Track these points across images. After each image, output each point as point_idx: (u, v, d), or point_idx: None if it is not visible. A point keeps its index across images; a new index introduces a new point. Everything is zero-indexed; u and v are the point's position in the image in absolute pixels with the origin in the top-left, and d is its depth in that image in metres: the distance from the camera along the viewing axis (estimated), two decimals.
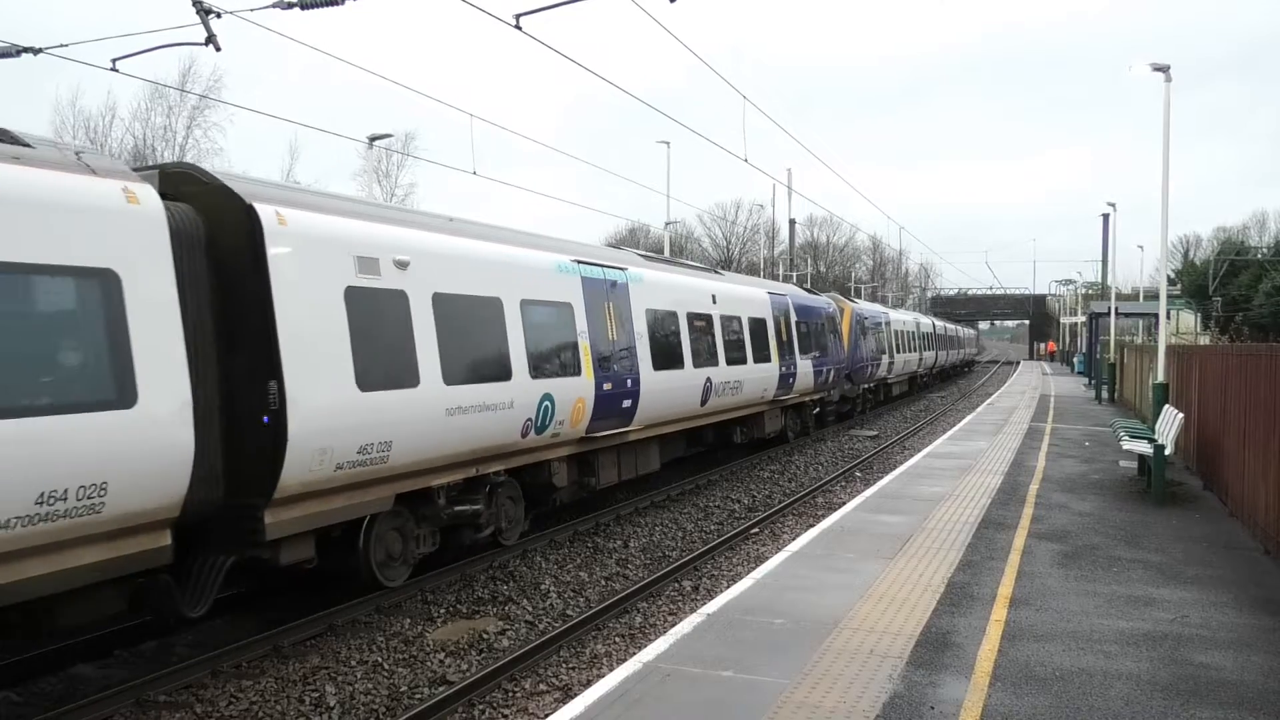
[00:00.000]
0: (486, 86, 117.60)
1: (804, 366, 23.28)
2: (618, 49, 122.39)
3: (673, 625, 8.71)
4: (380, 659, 8.72)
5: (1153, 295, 41.10)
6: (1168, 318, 25.13)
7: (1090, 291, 76.07)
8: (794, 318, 23.20)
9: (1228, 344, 27.19)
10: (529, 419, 11.82)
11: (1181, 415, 15.27)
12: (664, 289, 16.19)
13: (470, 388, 10.64)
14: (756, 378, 19.94)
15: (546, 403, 12.12)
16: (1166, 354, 20.41)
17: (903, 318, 42.00)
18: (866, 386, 32.87)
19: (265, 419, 8.28)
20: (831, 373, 26.26)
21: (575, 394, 12.79)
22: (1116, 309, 40.05)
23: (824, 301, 27.84)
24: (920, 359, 43.82)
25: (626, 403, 14.23)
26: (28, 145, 7.12)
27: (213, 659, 8.32)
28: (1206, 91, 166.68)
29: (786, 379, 21.97)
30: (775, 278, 53.08)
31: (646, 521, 14.74)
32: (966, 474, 16.46)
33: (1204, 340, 48.56)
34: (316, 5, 10.55)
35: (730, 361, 18.40)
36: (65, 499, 6.62)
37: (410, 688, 8.13)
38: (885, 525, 12.00)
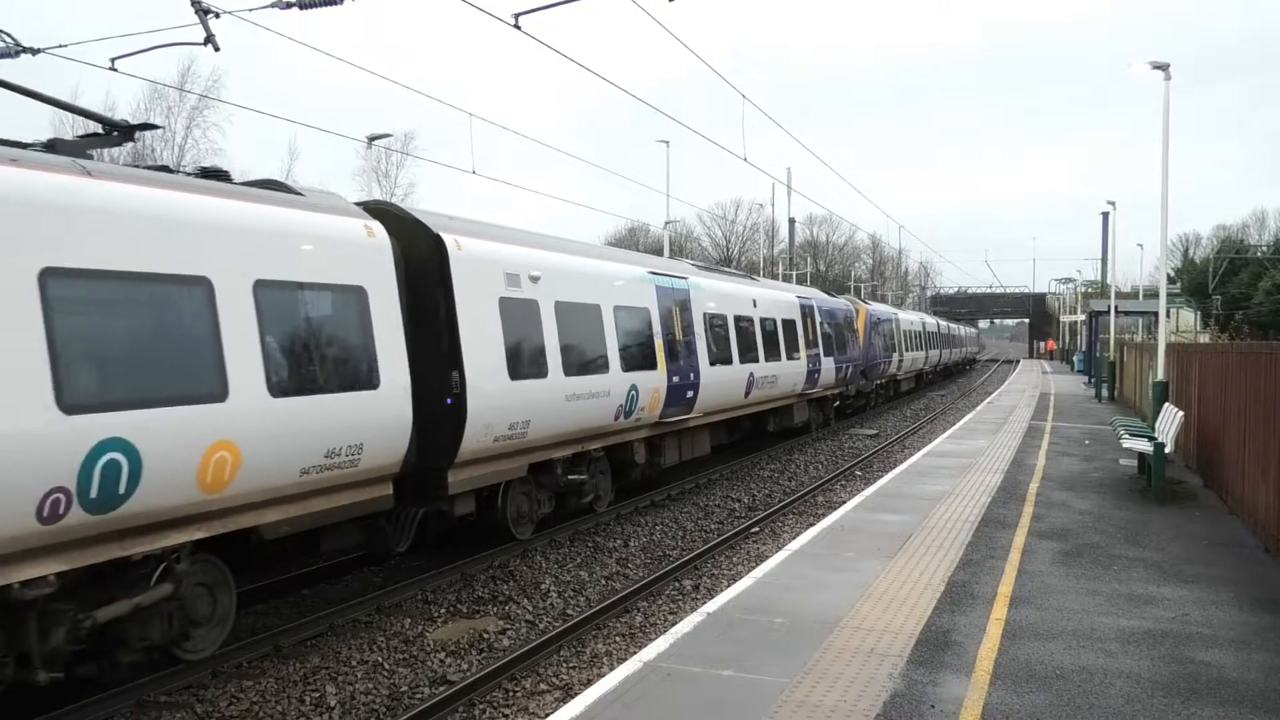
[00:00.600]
0: (486, 86, 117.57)
1: (827, 364, 25.35)
2: (616, 48, 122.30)
3: (673, 624, 8.70)
4: (381, 659, 8.72)
5: (1152, 293, 41.08)
6: (1167, 316, 25.13)
7: (1090, 290, 76.07)
8: (818, 319, 25.21)
9: (1228, 342, 27.17)
10: (620, 405, 14.03)
11: (1181, 414, 15.26)
12: (716, 295, 18.47)
13: (581, 378, 12.95)
14: (789, 373, 22.04)
15: (633, 392, 14.37)
16: (1166, 352, 20.41)
17: (910, 318, 43.88)
18: (879, 382, 34.41)
19: (449, 400, 10.59)
20: (850, 369, 28.27)
21: (653, 385, 15.04)
22: (1116, 307, 40.05)
23: (843, 304, 29.93)
24: (926, 357, 45.75)
25: (689, 393, 16.43)
26: (300, 194, 9.40)
27: (213, 659, 8.32)
28: (1208, 91, 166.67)
29: (813, 374, 24.04)
30: (775, 277, 53.13)
31: (646, 521, 14.74)
32: (967, 472, 16.46)
33: (1204, 338, 48.54)
34: (315, 5, 10.55)
35: (768, 358, 20.53)
36: (339, 454, 8.92)
37: (411, 687, 8.13)
38: (885, 524, 12.00)
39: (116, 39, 15.76)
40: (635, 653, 7.60)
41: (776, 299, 22.43)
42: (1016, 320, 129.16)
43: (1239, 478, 12.26)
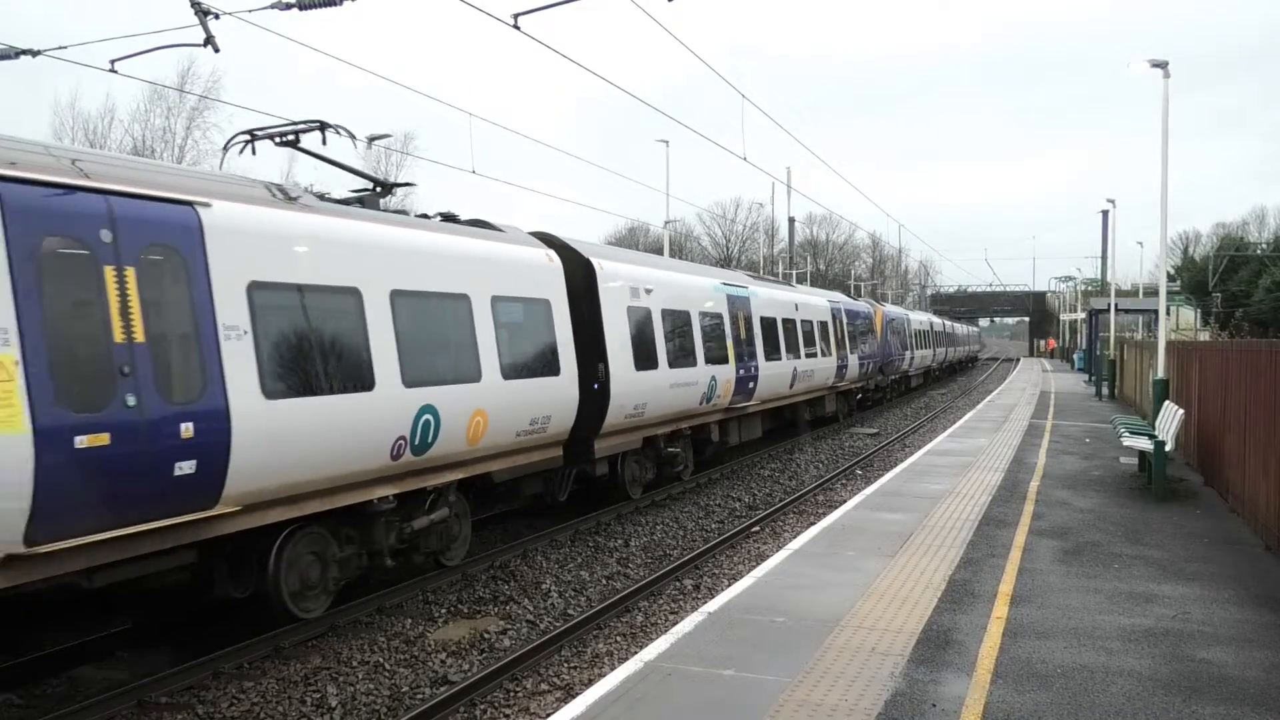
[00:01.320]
0: (486, 87, 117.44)
1: (853, 360, 28.88)
2: (617, 51, 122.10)
3: (674, 624, 8.70)
4: (382, 659, 8.72)
5: (1152, 291, 41.06)
6: (1167, 314, 25.12)
7: (1090, 288, 76.03)
8: (844, 320, 28.55)
9: (1228, 340, 27.18)
10: (703, 392, 17.27)
11: (1182, 411, 15.26)
12: (769, 301, 21.91)
13: (679, 370, 16.25)
14: (823, 368, 25.61)
15: (712, 381, 17.56)
16: (1166, 350, 20.40)
17: (920, 318, 47.76)
18: (894, 378, 37.78)
19: (596, 385, 13.73)
20: (871, 364, 31.89)
21: (726, 376, 18.31)
22: (1116, 305, 40.03)
23: (864, 306, 33.61)
24: (934, 354, 49.31)
25: (751, 384, 19.81)
26: (501, 230, 12.66)
27: (214, 660, 8.32)
28: (1208, 90, 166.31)
29: (841, 369, 27.65)
30: (775, 276, 53.26)
31: (647, 520, 14.74)
32: (967, 471, 16.46)
33: (1204, 336, 48.52)
34: (314, 6, 10.54)
35: (807, 355, 24.06)
36: (538, 423, 12.22)
37: (412, 688, 8.13)
38: (886, 523, 12.00)
39: (117, 40, 15.72)
40: (636, 652, 7.60)
41: (812, 303, 25.99)
42: (1016, 319, 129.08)
43: (1239, 475, 12.26)
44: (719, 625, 7.89)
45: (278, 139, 10.71)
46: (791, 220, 65.64)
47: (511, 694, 8.03)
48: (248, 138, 10.71)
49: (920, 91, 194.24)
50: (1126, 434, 15.63)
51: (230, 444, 7.75)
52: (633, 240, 79.02)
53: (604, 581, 11.47)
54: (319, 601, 9.30)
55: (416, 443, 9.90)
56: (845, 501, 14.26)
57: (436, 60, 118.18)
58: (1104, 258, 76.08)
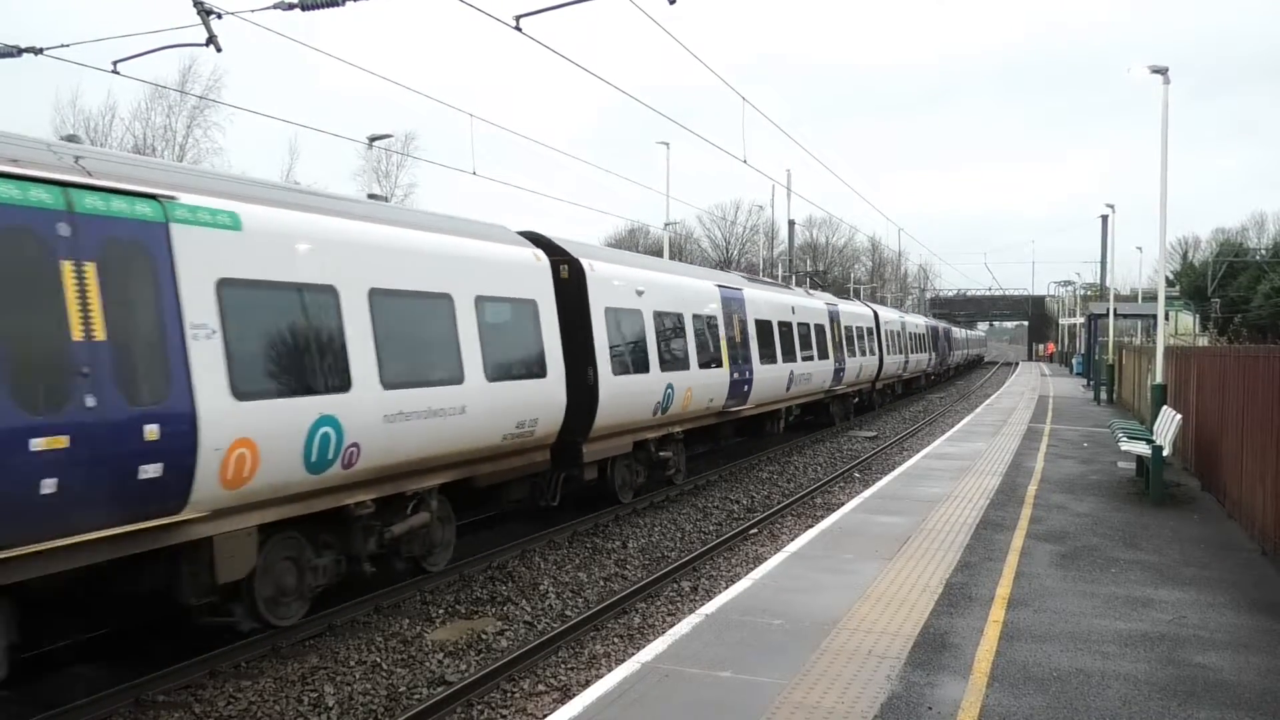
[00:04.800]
0: (488, 88, 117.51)
1: (932, 355, 48.47)
2: (619, 52, 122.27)
3: (671, 626, 8.70)
4: (379, 659, 8.72)
5: (1151, 296, 41.05)
6: (1166, 319, 25.15)
7: (1089, 293, 76.07)
8: (927, 331, 47.71)
9: (1226, 345, 27.20)
10: (899, 366, 39.01)
11: (1179, 416, 15.27)
12: (910, 323, 40.11)
13: (895, 357, 37.11)
14: (924, 358, 45.37)
15: (880, 363, 34.76)
16: (1165, 355, 20.41)
17: (955, 329, 70.90)
18: (944, 369, 57.11)
19: (839, 369, 28.44)
20: (937, 359, 51.40)
21: (887, 359, 35.42)
22: (1115, 310, 40.05)
23: (934, 321, 55.26)
24: (963, 353, 72.44)
25: (905, 364, 39.10)
26: (824, 293, 31.11)
27: (211, 659, 8.33)
28: (1218, 101, 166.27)
29: (929, 360, 47.45)
30: (774, 278, 53.45)
31: (645, 522, 14.75)
32: (965, 475, 16.47)
33: (1202, 341, 48.52)
34: (317, 6, 10.55)
35: (917, 351, 42.87)
36: (823, 380, 26.49)
37: (409, 688, 8.14)
38: (884, 526, 12.01)
39: (119, 39, 15.74)
40: (633, 654, 7.61)
41: (920, 322, 46.75)
42: (1015, 323, 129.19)
43: (1237, 481, 12.28)
44: (716, 627, 7.90)
45: (806, 275, 42.30)
46: (791, 223, 65.53)
47: (509, 695, 8.03)
48: (794, 275, 37.93)
49: (927, 99, 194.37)
50: (1124, 438, 15.65)
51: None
52: (632, 242, 79.04)
53: (601, 583, 11.48)
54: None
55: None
56: (843, 504, 14.27)
57: (438, 62, 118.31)
58: (1103, 263, 76.01)
